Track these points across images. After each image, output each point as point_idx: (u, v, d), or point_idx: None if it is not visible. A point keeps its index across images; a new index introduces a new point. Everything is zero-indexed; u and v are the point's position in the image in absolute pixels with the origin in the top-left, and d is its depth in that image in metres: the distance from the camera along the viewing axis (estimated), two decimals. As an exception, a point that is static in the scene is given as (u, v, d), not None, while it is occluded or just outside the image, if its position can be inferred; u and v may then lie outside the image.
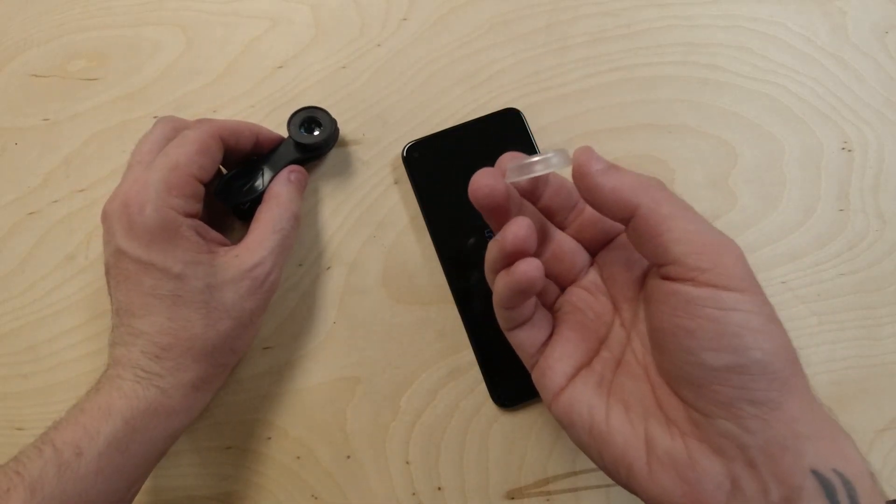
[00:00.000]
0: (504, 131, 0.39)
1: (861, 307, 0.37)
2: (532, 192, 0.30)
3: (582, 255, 0.30)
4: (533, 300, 0.29)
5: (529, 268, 0.25)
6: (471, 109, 0.41)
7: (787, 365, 0.22)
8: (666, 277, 0.24)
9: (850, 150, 0.40)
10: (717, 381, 0.23)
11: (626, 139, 0.40)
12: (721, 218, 0.39)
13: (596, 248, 0.30)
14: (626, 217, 0.25)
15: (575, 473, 0.35)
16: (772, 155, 0.40)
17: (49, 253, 0.38)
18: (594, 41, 0.42)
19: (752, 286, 0.23)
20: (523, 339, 0.29)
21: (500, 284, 0.27)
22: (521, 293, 0.27)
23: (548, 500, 0.35)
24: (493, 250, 0.27)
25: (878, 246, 0.38)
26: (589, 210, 0.29)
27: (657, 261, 0.25)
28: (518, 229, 0.25)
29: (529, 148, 0.39)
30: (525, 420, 0.36)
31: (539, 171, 0.26)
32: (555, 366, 0.28)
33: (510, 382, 0.36)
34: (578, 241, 0.30)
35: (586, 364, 0.28)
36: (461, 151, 0.39)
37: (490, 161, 0.38)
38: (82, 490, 0.26)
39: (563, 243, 0.30)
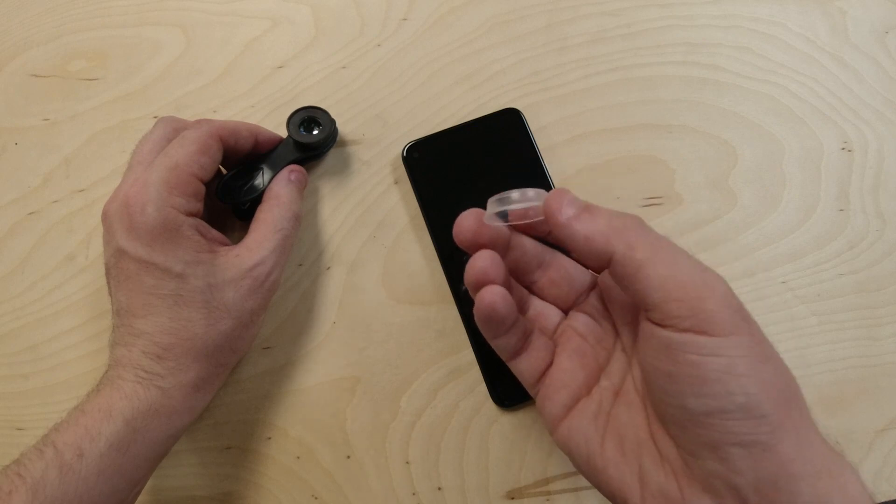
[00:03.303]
0: (504, 131, 0.39)
1: (861, 307, 0.37)
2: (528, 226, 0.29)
3: (582, 278, 0.30)
4: (521, 330, 0.29)
5: (488, 295, 0.26)
6: (471, 109, 0.41)
7: (780, 406, 0.21)
8: (648, 320, 0.24)
9: (850, 150, 0.40)
10: (700, 425, 0.22)
11: (626, 139, 0.40)
12: (721, 218, 0.39)
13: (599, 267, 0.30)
14: (603, 264, 0.24)
15: (575, 473, 0.35)
16: (772, 155, 0.40)
17: (49, 253, 0.38)
18: (594, 41, 0.42)
19: (738, 327, 0.22)
20: (522, 370, 0.29)
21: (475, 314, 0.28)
22: (488, 321, 0.27)
23: (548, 500, 0.35)
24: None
25: (878, 246, 0.38)
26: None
27: (638, 305, 0.24)
28: (476, 259, 0.27)
29: (529, 148, 0.39)
30: (525, 420, 0.36)
31: (516, 203, 0.26)
32: (553, 396, 0.28)
33: (510, 382, 0.35)
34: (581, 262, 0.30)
35: (585, 394, 0.28)
36: (461, 151, 0.39)
37: (490, 161, 0.39)
38: (84, 491, 0.26)
39: (563, 266, 0.30)
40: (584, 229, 0.24)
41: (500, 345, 0.29)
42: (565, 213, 0.25)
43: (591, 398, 0.27)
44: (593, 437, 0.26)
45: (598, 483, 0.26)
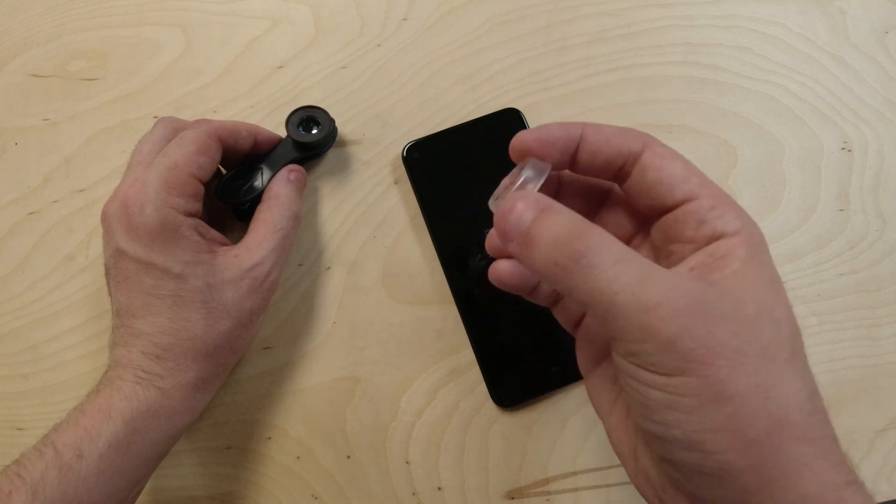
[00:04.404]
0: (504, 131, 0.39)
1: (861, 307, 0.37)
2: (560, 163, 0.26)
3: (626, 229, 0.27)
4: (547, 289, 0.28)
5: (494, 273, 0.27)
6: (471, 109, 0.41)
7: (734, 447, 0.20)
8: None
9: (850, 150, 0.40)
10: (650, 440, 0.22)
11: (626, 139, 0.40)
12: (721, 218, 0.39)
13: (655, 215, 0.26)
14: None
15: (575, 473, 0.35)
16: (772, 155, 0.40)
17: (49, 253, 0.38)
18: (594, 41, 0.42)
19: (683, 369, 0.20)
20: (557, 317, 0.29)
21: None
22: (503, 289, 0.27)
23: (548, 500, 0.35)
24: None
25: (878, 246, 0.38)
26: (635, 176, 0.25)
27: None
28: (491, 238, 0.27)
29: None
30: (525, 420, 0.36)
31: (526, 180, 0.25)
32: (580, 350, 0.28)
33: (510, 382, 0.36)
34: (634, 207, 0.27)
35: (607, 356, 0.27)
36: (461, 151, 0.39)
37: (490, 161, 0.39)
38: (84, 492, 0.26)
39: (608, 216, 0.28)
40: (525, 261, 0.23)
41: (532, 297, 0.28)
42: (509, 245, 0.23)
43: (611, 362, 0.26)
44: (605, 401, 0.26)
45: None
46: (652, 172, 0.24)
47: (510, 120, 0.40)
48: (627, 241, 0.28)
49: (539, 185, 0.26)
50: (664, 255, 0.25)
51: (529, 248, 0.23)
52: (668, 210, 0.24)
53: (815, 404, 0.21)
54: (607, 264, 0.21)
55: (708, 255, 0.22)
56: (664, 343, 0.20)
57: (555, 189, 0.28)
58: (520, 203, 0.23)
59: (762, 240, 0.23)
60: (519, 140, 0.26)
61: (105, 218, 0.31)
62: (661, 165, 0.24)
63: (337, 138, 0.40)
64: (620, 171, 0.25)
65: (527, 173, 0.25)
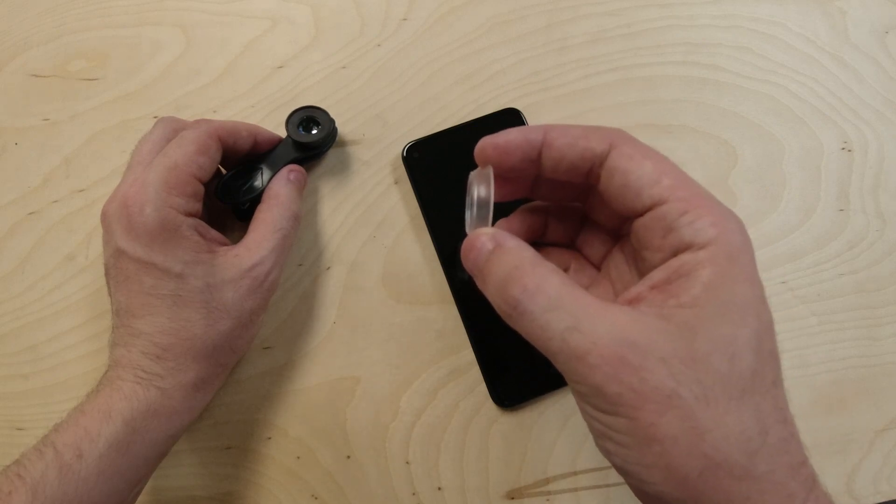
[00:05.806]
0: (504, 131, 0.39)
1: (861, 307, 0.37)
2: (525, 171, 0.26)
3: (614, 222, 0.27)
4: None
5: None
6: (471, 109, 0.41)
7: (672, 481, 0.20)
8: None
9: (850, 150, 0.40)
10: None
11: (626, 139, 0.40)
12: (721, 218, 0.39)
13: (629, 218, 0.25)
14: None
15: (575, 473, 0.35)
16: (772, 155, 0.40)
17: (49, 253, 0.38)
18: (594, 41, 0.42)
19: (618, 410, 0.20)
20: None
21: None
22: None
23: (548, 500, 0.35)
24: None
25: (878, 246, 0.38)
26: (604, 179, 0.24)
27: None
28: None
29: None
30: (525, 420, 0.36)
31: (477, 207, 0.26)
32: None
33: (510, 382, 0.36)
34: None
35: None
36: (461, 151, 0.39)
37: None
38: (84, 492, 0.26)
39: (597, 208, 0.28)
40: (484, 289, 0.24)
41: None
42: (478, 283, 0.25)
43: None
44: None
45: None
46: (618, 176, 0.23)
47: (510, 120, 0.40)
48: (615, 239, 0.28)
49: (490, 199, 0.25)
50: (640, 259, 0.24)
51: (484, 287, 0.24)
52: (638, 214, 0.23)
53: (769, 438, 0.20)
54: (538, 312, 0.22)
55: (672, 271, 0.22)
56: (594, 388, 0.21)
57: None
58: (478, 239, 0.24)
59: (742, 250, 0.22)
60: (480, 147, 0.26)
61: (105, 218, 0.31)
62: (628, 168, 0.23)
63: (337, 138, 0.40)
64: (590, 173, 0.25)
65: (476, 192, 0.25)
